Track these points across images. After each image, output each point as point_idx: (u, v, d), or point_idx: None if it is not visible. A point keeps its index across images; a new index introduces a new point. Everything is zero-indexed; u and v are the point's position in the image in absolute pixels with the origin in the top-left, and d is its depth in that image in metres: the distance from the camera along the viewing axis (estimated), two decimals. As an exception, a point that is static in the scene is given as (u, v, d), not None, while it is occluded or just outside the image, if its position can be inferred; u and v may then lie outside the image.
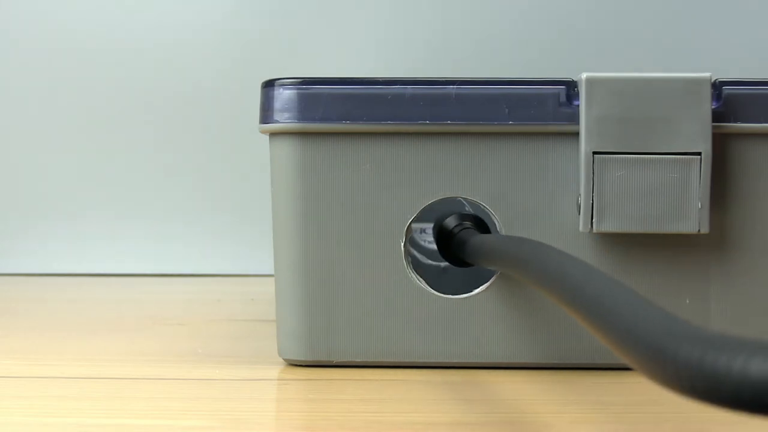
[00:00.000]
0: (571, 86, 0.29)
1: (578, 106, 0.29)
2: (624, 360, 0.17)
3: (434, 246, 0.41)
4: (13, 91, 0.58)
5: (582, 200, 0.29)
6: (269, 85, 0.30)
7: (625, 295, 0.18)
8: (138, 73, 0.58)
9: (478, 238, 0.30)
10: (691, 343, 0.14)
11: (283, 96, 0.30)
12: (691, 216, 0.29)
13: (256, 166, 0.54)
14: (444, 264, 0.40)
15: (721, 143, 0.29)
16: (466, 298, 0.30)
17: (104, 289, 0.52)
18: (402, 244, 0.30)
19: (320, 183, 0.30)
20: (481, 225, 0.33)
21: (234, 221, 0.58)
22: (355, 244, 0.30)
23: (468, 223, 0.33)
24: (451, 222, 0.33)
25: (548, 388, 0.28)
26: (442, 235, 0.33)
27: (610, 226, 0.29)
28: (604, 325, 0.18)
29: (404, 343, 0.30)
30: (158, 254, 0.58)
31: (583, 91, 0.29)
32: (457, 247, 0.32)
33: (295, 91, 0.30)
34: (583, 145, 0.29)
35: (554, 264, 0.22)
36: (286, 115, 0.30)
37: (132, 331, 0.38)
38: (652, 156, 0.29)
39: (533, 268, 0.24)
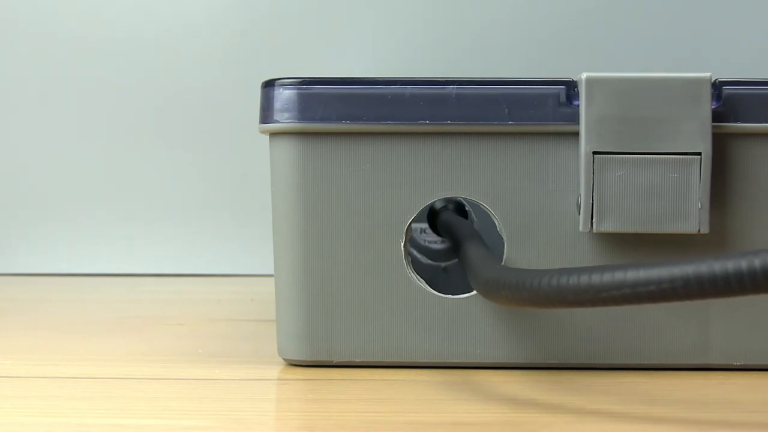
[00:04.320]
0: (571, 86, 0.29)
1: (578, 106, 0.29)
2: (480, 293, 0.28)
3: (434, 246, 0.41)
4: (12, 91, 0.58)
5: (582, 200, 0.29)
6: (269, 85, 0.30)
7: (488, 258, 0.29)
8: (138, 74, 0.58)
9: (445, 215, 0.38)
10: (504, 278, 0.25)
11: (283, 96, 0.30)
12: (691, 216, 0.29)
13: (256, 166, 0.54)
14: (444, 264, 0.40)
15: (721, 143, 0.29)
16: (466, 298, 0.30)
17: (104, 289, 0.52)
18: (402, 244, 0.30)
19: (320, 183, 0.30)
20: (461, 209, 0.41)
21: (234, 221, 0.58)
22: (355, 244, 0.30)
23: (451, 206, 0.40)
24: (439, 204, 0.40)
25: (547, 388, 0.28)
26: (431, 212, 0.40)
27: (610, 226, 0.29)
28: (475, 277, 0.28)
29: (404, 343, 0.30)
30: (158, 254, 0.58)
31: (583, 91, 0.29)
32: (437, 222, 0.39)
33: (295, 91, 0.30)
34: (583, 145, 0.29)
35: (462, 239, 0.32)
36: (286, 115, 0.30)
37: (132, 331, 0.38)
38: (652, 156, 0.29)
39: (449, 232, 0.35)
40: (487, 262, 0.28)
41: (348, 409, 0.26)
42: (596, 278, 0.22)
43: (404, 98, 0.30)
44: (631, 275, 0.22)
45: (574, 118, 0.29)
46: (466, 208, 0.41)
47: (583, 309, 0.29)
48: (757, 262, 0.20)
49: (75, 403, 0.27)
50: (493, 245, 0.32)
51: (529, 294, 0.24)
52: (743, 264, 0.20)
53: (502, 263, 0.30)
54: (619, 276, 0.22)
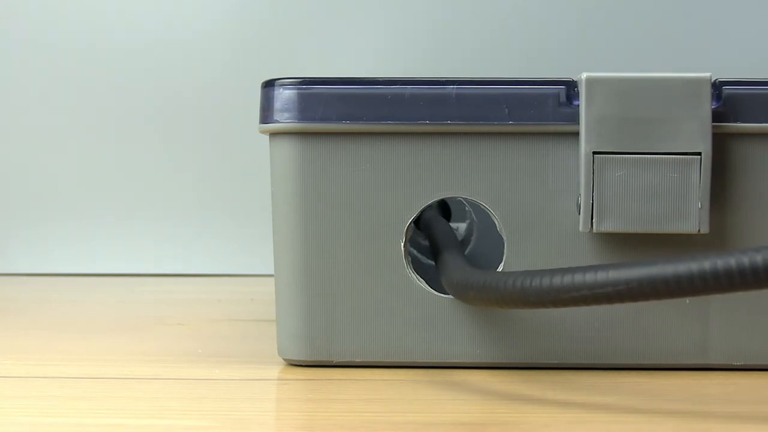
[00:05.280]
0: (571, 86, 0.29)
1: (578, 106, 0.29)
2: (455, 295, 0.29)
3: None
4: (13, 90, 0.58)
5: (582, 200, 0.29)
6: (269, 85, 0.30)
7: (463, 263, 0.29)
8: (138, 73, 0.58)
9: (427, 215, 0.38)
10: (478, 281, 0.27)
11: (283, 96, 0.30)
12: (691, 216, 0.29)
13: (256, 166, 0.54)
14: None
15: (721, 143, 0.29)
16: (466, 298, 0.30)
17: (104, 289, 0.52)
18: (402, 244, 0.30)
19: (320, 183, 0.30)
20: (444, 207, 0.42)
21: (234, 221, 0.58)
22: (355, 244, 0.30)
23: (434, 204, 0.39)
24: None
25: (547, 388, 0.28)
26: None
27: (610, 226, 0.29)
28: (446, 279, 0.29)
29: (404, 343, 0.30)
30: (158, 254, 0.58)
31: (583, 91, 0.29)
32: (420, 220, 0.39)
33: (295, 91, 0.30)
34: (583, 145, 0.29)
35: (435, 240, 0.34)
36: (286, 115, 0.30)
37: (132, 331, 0.38)
38: (652, 156, 0.29)
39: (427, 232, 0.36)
40: (458, 264, 0.29)
41: (348, 409, 0.26)
42: (557, 280, 0.24)
43: (404, 98, 0.30)
44: (590, 277, 0.23)
45: (574, 118, 0.29)
46: (450, 206, 0.42)
47: (583, 308, 0.30)
48: (707, 265, 0.22)
49: (75, 403, 0.27)
50: (493, 245, 0.32)
51: (495, 295, 0.25)
52: (693, 267, 0.22)
53: (502, 263, 0.30)
54: (578, 278, 0.23)
